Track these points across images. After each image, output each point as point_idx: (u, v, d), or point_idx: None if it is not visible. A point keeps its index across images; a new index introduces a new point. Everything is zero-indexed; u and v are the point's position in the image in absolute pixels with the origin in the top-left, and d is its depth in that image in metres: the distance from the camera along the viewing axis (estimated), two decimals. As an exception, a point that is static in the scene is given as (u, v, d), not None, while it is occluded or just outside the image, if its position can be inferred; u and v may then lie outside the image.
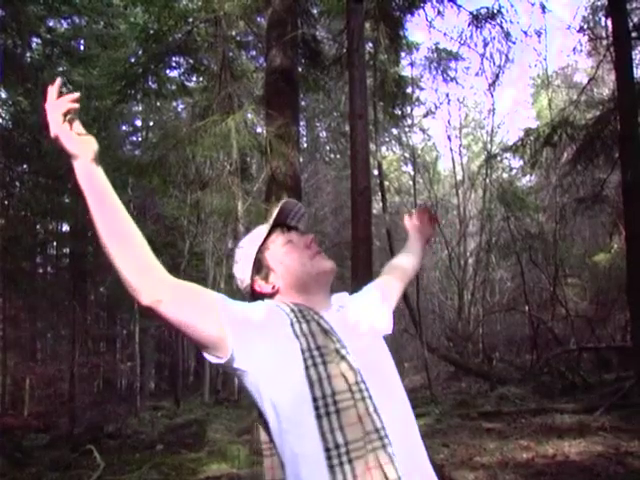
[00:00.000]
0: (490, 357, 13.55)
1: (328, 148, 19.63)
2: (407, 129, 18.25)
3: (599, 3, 10.45)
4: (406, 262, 1.72)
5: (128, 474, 6.70)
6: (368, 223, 4.29)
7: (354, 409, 1.10)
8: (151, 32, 8.03)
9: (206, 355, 1.16)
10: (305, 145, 18.25)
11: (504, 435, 6.93)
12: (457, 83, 15.15)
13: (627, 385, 7.90)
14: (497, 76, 9.33)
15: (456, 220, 19.90)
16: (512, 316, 16.70)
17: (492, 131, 18.41)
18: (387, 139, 19.80)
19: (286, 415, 1.12)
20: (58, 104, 1.11)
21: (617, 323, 12.98)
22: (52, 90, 1.13)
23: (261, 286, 1.31)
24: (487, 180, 15.48)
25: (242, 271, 1.34)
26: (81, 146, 1.11)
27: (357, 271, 4.11)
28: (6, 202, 12.55)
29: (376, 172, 12.04)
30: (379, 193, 12.32)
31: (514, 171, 19.57)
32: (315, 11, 8.36)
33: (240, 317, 1.17)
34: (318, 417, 1.09)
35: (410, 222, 1.83)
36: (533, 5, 8.84)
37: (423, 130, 20.95)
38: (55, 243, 17.72)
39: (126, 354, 16.94)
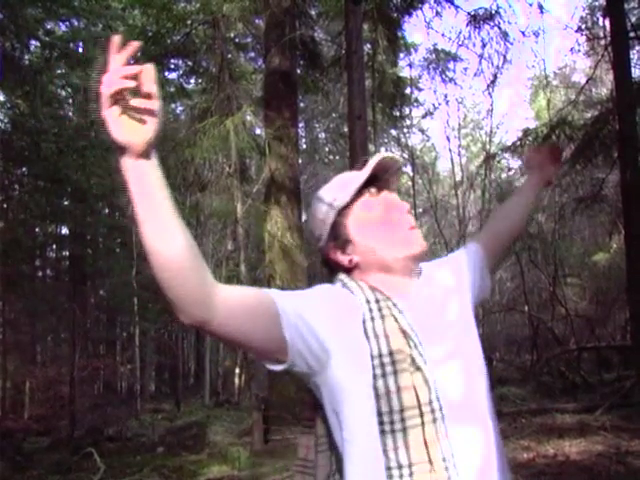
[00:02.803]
0: (490, 357, 13.54)
1: (327, 149, 19.65)
2: (406, 130, 18.29)
3: (597, 3, 10.51)
4: (512, 214, 1.42)
5: (129, 477, 6.68)
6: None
7: (421, 430, 0.98)
8: (149, 34, 8.06)
9: (265, 363, 1.04)
10: (304, 146, 18.27)
11: (504, 435, 6.86)
12: (455, 84, 15.12)
13: (628, 384, 7.90)
14: (495, 76, 9.33)
15: (455, 221, 19.91)
16: (512, 316, 16.70)
17: (491, 131, 18.44)
18: (386, 140, 19.80)
19: (348, 424, 1.02)
20: (114, 78, 0.83)
21: (617, 322, 12.98)
22: (114, 43, 0.84)
23: (337, 256, 1.12)
24: (486, 180, 15.48)
25: (319, 229, 1.14)
26: (129, 137, 0.85)
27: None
28: (5, 205, 12.55)
29: (375, 173, 12.03)
30: (378, 194, 12.31)
31: (513, 171, 19.64)
32: (313, 13, 8.38)
33: (302, 316, 1.01)
34: (382, 432, 0.98)
35: (535, 157, 1.48)
36: (531, 5, 8.86)
37: (422, 131, 20.98)
38: (55, 246, 17.72)
39: (126, 357, 16.91)
